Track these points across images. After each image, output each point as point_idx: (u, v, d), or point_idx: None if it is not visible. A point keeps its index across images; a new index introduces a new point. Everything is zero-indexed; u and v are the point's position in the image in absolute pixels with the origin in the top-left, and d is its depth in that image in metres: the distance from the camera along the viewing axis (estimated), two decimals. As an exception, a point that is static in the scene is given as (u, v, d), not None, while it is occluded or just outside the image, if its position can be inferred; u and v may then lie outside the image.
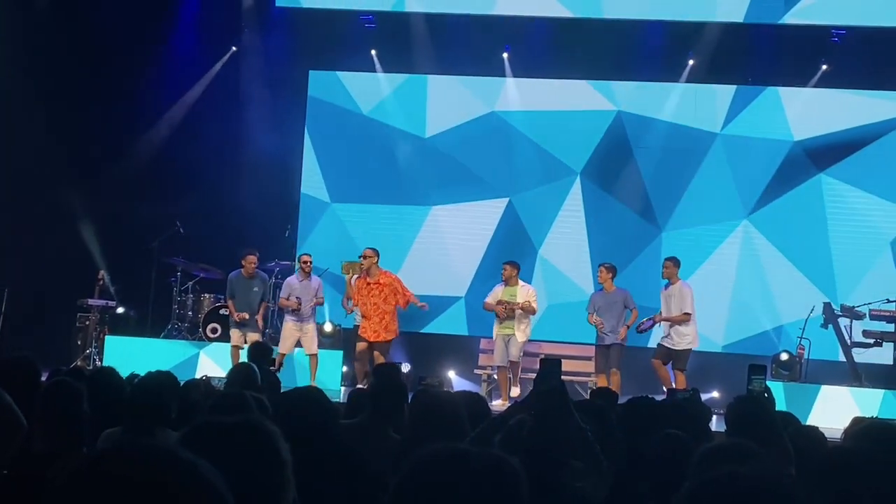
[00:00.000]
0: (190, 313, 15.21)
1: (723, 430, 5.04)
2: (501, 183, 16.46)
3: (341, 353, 14.45)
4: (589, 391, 12.43)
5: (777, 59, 15.65)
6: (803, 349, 14.28)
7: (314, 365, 13.44)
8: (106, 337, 14.49)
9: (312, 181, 16.85)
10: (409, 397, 5.46)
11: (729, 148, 16.01)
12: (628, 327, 13.31)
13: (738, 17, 15.54)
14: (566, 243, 16.20)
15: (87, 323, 14.88)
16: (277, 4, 16.39)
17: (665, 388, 12.10)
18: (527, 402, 4.17)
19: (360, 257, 13.53)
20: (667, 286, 13.46)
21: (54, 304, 14.97)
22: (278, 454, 2.18)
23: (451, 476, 1.85)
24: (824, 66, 15.58)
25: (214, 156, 16.02)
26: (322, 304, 13.95)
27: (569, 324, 14.98)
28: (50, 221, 15.47)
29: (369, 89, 16.77)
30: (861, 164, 15.71)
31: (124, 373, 6.45)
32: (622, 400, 6.75)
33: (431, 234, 16.45)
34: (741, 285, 15.83)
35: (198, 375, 10.36)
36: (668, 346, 13.24)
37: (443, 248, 16.27)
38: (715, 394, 13.91)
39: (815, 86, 15.75)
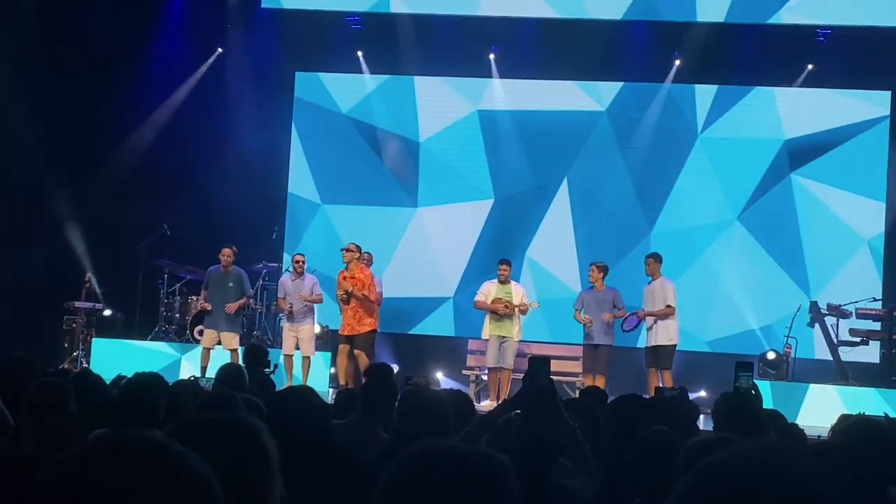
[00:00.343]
0: (177, 315, 15.17)
1: (710, 429, 5.06)
2: (488, 183, 16.47)
3: (329, 354, 14.42)
4: (577, 391, 12.44)
5: (763, 59, 15.70)
6: (790, 348, 14.32)
7: (306, 367, 13.38)
8: (93, 339, 14.44)
9: (301, 182, 16.84)
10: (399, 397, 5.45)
11: (716, 148, 16.06)
12: (614, 317, 13.23)
13: (723, 17, 15.57)
14: (554, 244, 16.21)
15: (74, 325, 14.83)
16: (263, 6, 16.36)
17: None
18: (516, 400, 4.18)
19: (342, 250, 13.46)
20: (649, 282, 13.48)
21: (41, 306, 14.92)
22: (263, 450, 2.18)
23: (441, 472, 1.84)
24: (810, 66, 15.65)
25: (201, 157, 15.99)
26: (320, 301, 13.85)
27: (557, 324, 15.00)
28: (36, 224, 15.43)
29: (355, 90, 16.77)
30: (844, 163, 15.77)
31: (112, 375, 6.44)
32: (610, 400, 6.75)
33: (417, 236, 16.45)
34: (729, 285, 15.87)
35: (185, 376, 10.33)
36: (652, 344, 13.23)
37: (429, 249, 16.27)
38: (703, 393, 13.92)
39: (801, 85, 15.81)
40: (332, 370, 14.38)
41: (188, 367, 13.66)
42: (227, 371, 6.95)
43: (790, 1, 15.43)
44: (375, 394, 5.47)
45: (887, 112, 15.78)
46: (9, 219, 15.40)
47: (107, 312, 15.22)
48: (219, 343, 13.37)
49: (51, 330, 14.83)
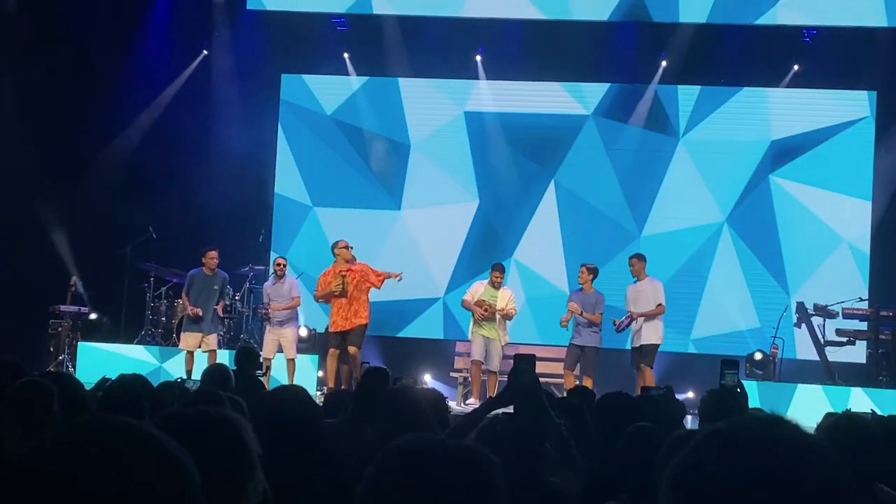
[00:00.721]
0: (163, 319, 15.13)
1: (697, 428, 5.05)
2: (473, 185, 16.47)
3: (317, 357, 14.41)
4: (566, 391, 12.42)
5: (749, 59, 15.73)
6: (777, 348, 14.35)
7: (291, 370, 13.36)
8: (79, 343, 14.38)
9: (288, 184, 16.82)
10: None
11: (703, 149, 16.08)
12: (579, 315, 13.18)
13: (709, 18, 15.60)
14: (541, 245, 16.22)
15: (60, 329, 14.77)
16: (248, 7, 16.34)
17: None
18: (501, 397, 4.17)
19: (335, 248, 13.39)
20: (635, 283, 13.48)
21: (26, 310, 14.86)
22: (244, 444, 2.17)
23: (426, 466, 1.83)
24: (796, 67, 15.69)
25: (187, 160, 15.94)
26: (298, 304, 13.82)
27: (545, 325, 15.00)
28: (21, 227, 15.37)
29: (342, 92, 16.76)
30: (831, 163, 15.82)
31: (96, 379, 6.41)
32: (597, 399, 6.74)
33: (403, 238, 16.43)
34: (716, 286, 15.89)
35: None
36: (637, 344, 13.22)
37: (416, 251, 16.24)
38: (690, 394, 13.93)
39: (787, 86, 15.85)
40: (321, 373, 14.36)
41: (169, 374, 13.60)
42: (213, 371, 6.94)
43: (776, 2, 15.46)
44: (367, 396, 5.45)
45: (873, 112, 15.82)
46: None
47: (92, 316, 15.16)
48: (199, 346, 13.34)
49: (36, 334, 14.76)
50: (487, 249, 15.69)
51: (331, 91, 16.82)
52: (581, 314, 13.18)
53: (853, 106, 15.88)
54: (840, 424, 4.18)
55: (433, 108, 16.59)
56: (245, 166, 16.27)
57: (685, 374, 14.18)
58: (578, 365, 13.39)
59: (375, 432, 4.18)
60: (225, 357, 12.68)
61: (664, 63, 16.01)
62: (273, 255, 15.76)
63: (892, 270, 15.09)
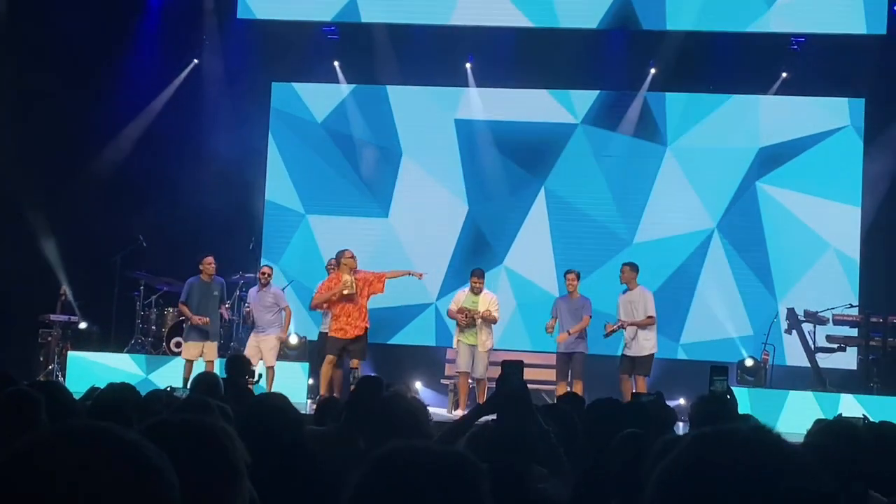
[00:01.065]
0: (153, 327, 15.10)
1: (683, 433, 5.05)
2: (462, 193, 16.48)
3: (307, 365, 14.37)
4: (556, 398, 12.42)
5: (738, 67, 15.77)
6: (768, 355, 14.36)
7: (270, 377, 13.30)
8: (68, 353, 14.33)
9: (279, 192, 16.81)
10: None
11: (692, 157, 16.11)
12: (576, 332, 13.24)
13: (698, 26, 15.64)
14: (531, 252, 16.22)
15: (50, 339, 14.73)
16: (238, 16, 16.33)
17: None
18: (490, 403, 4.16)
19: (341, 258, 13.33)
20: (625, 291, 13.49)
21: (15, 319, 14.81)
22: (231, 452, 2.16)
23: (412, 473, 1.83)
24: (784, 74, 15.74)
25: (177, 168, 15.94)
26: (289, 315, 13.79)
27: (536, 331, 14.98)
28: (10, 236, 15.33)
29: (332, 100, 16.76)
30: (820, 170, 15.86)
31: (85, 388, 6.40)
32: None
33: (392, 245, 16.41)
34: (707, 293, 15.91)
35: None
36: (633, 354, 13.23)
37: (407, 258, 16.20)
38: (681, 401, 13.93)
39: (775, 93, 15.90)
40: (311, 381, 14.32)
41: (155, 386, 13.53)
42: (202, 379, 6.93)
43: (764, 10, 15.51)
44: (361, 404, 5.43)
45: (860, 119, 15.87)
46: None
47: (82, 325, 15.12)
48: (201, 355, 13.29)
49: (26, 343, 14.71)
50: (477, 256, 15.69)
51: (321, 99, 16.83)
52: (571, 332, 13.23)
53: (840, 113, 15.92)
54: (828, 430, 4.17)
55: (423, 115, 16.60)
56: (235, 174, 16.25)
57: (676, 380, 14.18)
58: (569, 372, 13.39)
59: (366, 441, 4.17)
60: (217, 365, 12.67)
61: (653, 70, 16.05)
62: (264, 258, 15.76)
63: (883, 277, 15.12)
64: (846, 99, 15.88)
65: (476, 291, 13.44)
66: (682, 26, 15.71)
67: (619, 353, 13.52)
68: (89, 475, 1.35)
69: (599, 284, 14.54)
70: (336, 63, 16.55)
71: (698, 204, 16.06)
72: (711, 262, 16.01)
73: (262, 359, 13.32)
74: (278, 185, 16.82)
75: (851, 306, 14.63)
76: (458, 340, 13.43)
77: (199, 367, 13.00)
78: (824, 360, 14.17)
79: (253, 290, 13.81)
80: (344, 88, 16.71)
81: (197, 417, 2.26)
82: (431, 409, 5.66)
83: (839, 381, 14.21)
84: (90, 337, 15.18)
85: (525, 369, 4.20)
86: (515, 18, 15.85)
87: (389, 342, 15.93)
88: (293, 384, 13.36)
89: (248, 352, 13.25)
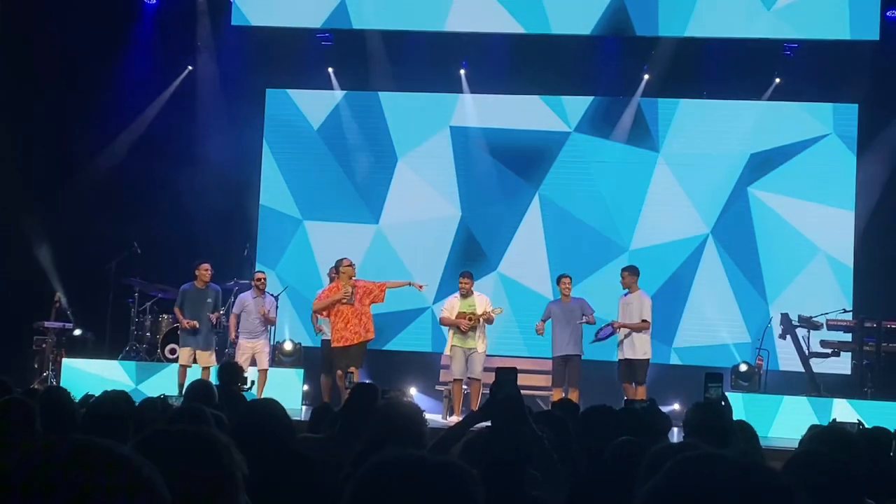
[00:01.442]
0: (148, 334, 15.08)
1: (679, 441, 5.06)
2: (456, 199, 16.48)
3: (302, 371, 14.37)
4: (551, 404, 12.42)
5: (731, 73, 15.80)
6: (762, 360, 14.37)
7: (262, 381, 13.29)
8: (63, 360, 14.30)
9: (275, 198, 16.81)
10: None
11: (686, 162, 16.13)
12: (585, 321, 13.26)
13: (692, 31, 15.67)
14: (526, 258, 16.23)
15: (44, 346, 14.71)
16: (232, 23, 16.34)
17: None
18: (484, 410, 4.17)
19: (340, 266, 13.34)
20: (625, 295, 13.50)
21: (10, 327, 14.78)
22: (227, 463, 2.16)
23: (406, 481, 1.84)
24: (777, 80, 15.77)
25: (171, 175, 15.92)
26: (273, 324, 13.82)
27: (532, 338, 14.97)
28: (5, 243, 15.31)
29: (326, 107, 16.77)
30: (814, 176, 15.90)
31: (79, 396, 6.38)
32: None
33: (389, 250, 16.42)
34: (702, 299, 15.93)
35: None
36: (629, 357, 13.22)
37: (402, 264, 16.20)
38: (676, 406, 13.95)
39: (768, 99, 15.93)
40: (306, 387, 14.32)
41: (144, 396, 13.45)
42: (196, 387, 6.93)
43: (757, 16, 15.54)
44: (356, 412, 5.43)
45: (854, 124, 15.91)
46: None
47: (77, 332, 15.09)
48: (195, 361, 13.30)
49: (20, 350, 14.69)
50: (471, 262, 15.69)
51: (315, 105, 16.84)
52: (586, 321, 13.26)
53: (829, 119, 15.97)
54: (822, 436, 4.19)
55: (417, 121, 16.61)
56: (230, 181, 16.27)
57: (670, 386, 14.20)
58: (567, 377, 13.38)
59: (361, 448, 4.17)
60: (212, 372, 12.65)
61: (646, 76, 16.08)
62: (259, 264, 15.74)
63: (876, 281, 15.14)
64: (837, 104, 15.91)
65: (466, 294, 13.40)
66: (676, 32, 15.73)
67: (615, 359, 13.51)
68: (80, 490, 1.36)
69: (593, 290, 14.54)
70: (330, 69, 16.57)
71: (694, 209, 16.08)
72: (705, 267, 16.03)
73: (253, 364, 13.32)
74: (273, 192, 16.82)
75: (845, 311, 14.65)
76: (453, 346, 13.36)
77: (193, 373, 13.05)
78: (818, 365, 14.18)
79: (247, 295, 13.75)
80: (338, 95, 16.72)
81: (194, 428, 2.26)
82: (426, 415, 5.66)
83: (833, 386, 14.21)
84: (84, 344, 15.15)
85: (519, 375, 4.21)
86: (510, 25, 15.86)
87: (384, 348, 15.92)
88: (288, 391, 13.35)
89: (242, 357, 13.26)
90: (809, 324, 14.25)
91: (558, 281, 13.84)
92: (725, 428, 4.66)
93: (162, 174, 15.85)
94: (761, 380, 14.29)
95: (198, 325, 13.25)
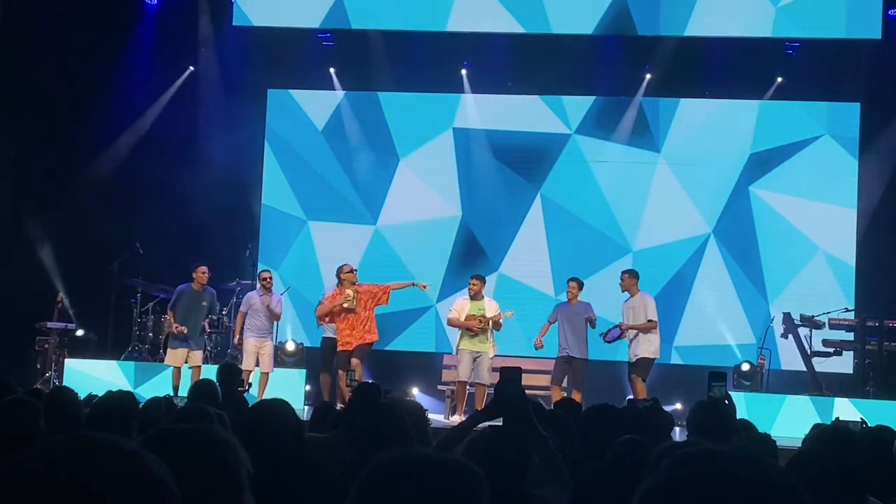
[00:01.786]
0: (150, 335, 15.08)
1: (683, 440, 5.06)
2: (457, 199, 16.49)
3: (304, 371, 14.37)
4: (553, 404, 12.42)
5: (733, 72, 15.80)
6: (764, 359, 14.37)
7: (264, 383, 13.30)
8: (65, 360, 14.31)
9: (277, 199, 16.81)
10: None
11: (688, 161, 16.13)
12: (634, 328, 13.23)
13: (693, 31, 15.67)
14: (528, 259, 16.23)
15: (47, 346, 14.71)
16: (234, 23, 16.35)
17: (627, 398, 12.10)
18: (488, 410, 4.17)
19: (340, 273, 13.36)
20: (628, 299, 13.49)
21: (12, 327, 14.79)
22: (233, 462, 2.16)
23: (411, 480, 1.84)
24: (779, 79, 15.77)
25: (173, 175, 15.94)
26: (278, 319, 13.83)
27: (530, 339, 14.97)
28: (7, 244, 15.32)
29: (328, 107, 16.77)
30: (816, 174, 15.89)
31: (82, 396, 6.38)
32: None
33: (390, 251, 16.42)
34: (704, 298, 15.93)
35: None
36: (639, 356, 13.16)
37: (403, 264, 16.19)
38: (678, 405, 13.95)
39: (770, 98, 15.93)
40: (308, 387, 14.32)
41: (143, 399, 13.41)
42: (200, 387, 6.93)
43: (759, 15, 15.54)
44: (359, 411, 5.44)
45: (856, 123, 15.91)
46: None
47: (79, 333, 15.10)
48: (185, 362, 13.32)
49: (23, 351, 14.70)
50: (473, 263, 15.70)
51: (317, 106, 16.84)
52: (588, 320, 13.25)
53: (830, 118, 15.97)
54: (825, 435, 4.19)
55: (419, 122, 16.62)
56: (232, 182, 16.27)
57: (672, 385, 14.20)
58: (566, 378, 13.36)
59: (365, 448, 4.18)
60: (210, 372, 12.63)
61: (648, 76, 16.08)
62: (261, 264, 15.74)
63: (878, 280, 15.14)
64: (839, 103, 15.90)
65: (477, 296, 13.37)
66: (678, 32, 15.73)
67: (624, 360, 13.49)
68: (91, 487, 1.36)
69: (597, 291, 14.53)
70: (332, 70, 16.57)
71: (695, 209, 16.08)
72: (707, 266, 16.03)
73: (257, 365, 13.34)
74: (275, 192, 16.83)
75: (847, 310, 14.65)
76: (461, 349, 13.35)
77: (185, 374, 13.11)
78: (820, 365, 14.18)
79: (254, 295, 13.74)
80: (339, 95, 16.73)
81: (198, 427, 2.26)
82: (428, 415, 5.67)
83: (835, 385, 14.21)
84: (87, 344, 15.16)
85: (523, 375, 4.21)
86: (511, 25, 15.87)
87: (386, 348, 15.92)
88: (291, 391, 13.33)
89: (249, 358, 13.29)
90: (811, 323, 14.25)
91: (567, 283, 13.83)
92: (729, 427, 4.66)
93: (164, 174, 15.87)
94: (763, 379, 14.29)
95: (186, 331, 13.27)
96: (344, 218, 16.61)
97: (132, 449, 1.43)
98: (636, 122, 16.22)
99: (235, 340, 13.74)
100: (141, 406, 5.88)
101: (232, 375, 8.92)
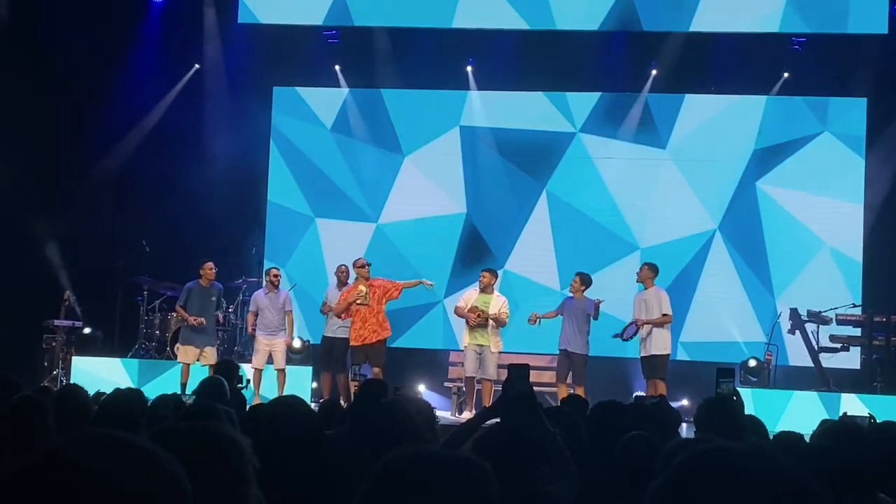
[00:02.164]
0: (157, 332, 15.11)
1: (692, 437, 5.05)
2: (462, 197, 16.48)
3: (311, 369, 14.39)
4: (560, 400, 12.42)
5: (739, 67, 15.78)
6: (771, 355, 14.36)
7: (282, 380, 13.36)
8: (73, 358, 14.34)
9: (283, 196, 16.82)
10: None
11: (695, 157, 16.11)
12: (648, 323, 13.20)
13: (699, 26, 15.64)
14: (534, 255, 16.22)
15: (54, 344, 14.74)
16: (239, 21, 16.36)
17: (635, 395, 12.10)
18: (496, 407, 4.17)
19: (356, 266, 13.45)
20: (641, 291, 13.47)
21: (19, 325, 14.81)
22: (235, 460, 2.17)
23: (421, 477, 1.84)
24: (786, 74, 15.74)
25: (179, 173, 15.96)
26: (291, 319, 13.84)
27: (539, 334, 14.96)
28: (14, 242, 15.34)
29: (334, 104, 16.77)
30: (823, 170, 15.86)
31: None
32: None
33: (395, 248, 16.41)
34: (711, 294, 15.91)
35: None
36: (653, 353, 13.13)
37: (404, 262, 16.18)
38: (685, 402, 13.94)
39: (777, 93, 15.90)
40: (315, 384, 14.33)
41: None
42: (208, 384, 6.94)
43: (765, 9, 15.52)
44: (366, 408, 5.44)
45: (863, 118, 15.88)
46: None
47: (86, 330, 15.12)
48: (197, 360, 13.33)
49: (30, 349, 14.72)
50: (478, 259, 15.70)
51: (323, 103, 16.84)
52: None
53: (839, 113, 15.94)
54: (833, 430, 4.19)
55: (425, 119, 16.61)
56: (238, 179, 16.28)
57: (678, 381, 14.17)
58: (569, 374, 13.36)
59: (372, 445, 4.18)
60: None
61: (654, 72, 16.05)
62: (268, 261, 15.75)
63: (886, 276, 15.12)
64: (845, 98, 15.87)
65: (487, 290, 13.39)
66: (683, 27, 15.71)
67: (630, 356, 13.49)
68: (106, 484, 1.37)
69: (603, 287, 14.52)
70: (337, 67, 16.57)
71: (699, 205, 16.06)
72: (713, 262, 16.01)
73: (270, 362, 13.39)
74: (281, 190, 16.83)
75: (854, 306, 14.64)
76: (466, 345, 13.38)
77: (195, 371, 13.10)
78: (828, 360, 14.16)
79: (260, 293, 13.79)
80: (345, 92, 16.73)
81: (204, 424, 2.27)
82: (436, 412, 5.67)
83: (843, 380, 14.20)
84: (94, 342, 15.18)
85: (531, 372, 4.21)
86: (517, 21, 15.86)
87: (393, 345, 15.92)
88: (297, 388, 13.36)
89: (260, 356, 13.34)
90: (818, 319, 14.23)
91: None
92: (737, 423, 4.66)
93: (170, 172, 15.89)
94: (770, 375, 14.28)
95: (205, 322, 13.31)
96: (348, 215, 16.61)
97: (145, 445, 1.44)
98: (642, 119, 16.20)
99: (249, 330, 13.77)
100: (149, 404, 5.88)
101: (229, 372, 8.92)
